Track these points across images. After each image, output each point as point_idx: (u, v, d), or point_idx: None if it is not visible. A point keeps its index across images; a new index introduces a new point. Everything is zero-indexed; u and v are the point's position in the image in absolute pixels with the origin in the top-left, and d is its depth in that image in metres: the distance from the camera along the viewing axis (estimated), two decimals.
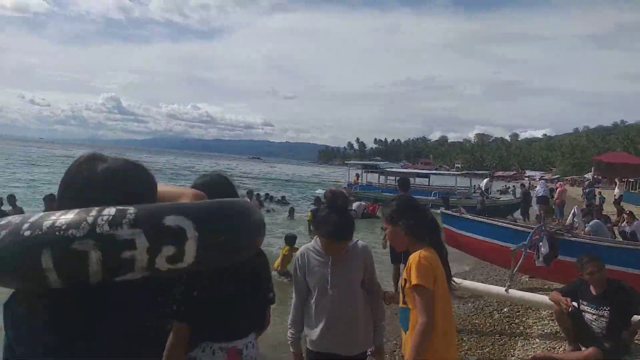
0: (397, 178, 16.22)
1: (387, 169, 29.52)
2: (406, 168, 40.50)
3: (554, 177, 78.81)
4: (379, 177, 29.31)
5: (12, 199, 10.85)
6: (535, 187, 26.47)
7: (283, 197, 23.65)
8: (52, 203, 9.06)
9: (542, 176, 70.43)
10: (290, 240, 8.83)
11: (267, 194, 22.75)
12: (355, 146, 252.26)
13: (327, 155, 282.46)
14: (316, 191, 30.45)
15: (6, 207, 10.37)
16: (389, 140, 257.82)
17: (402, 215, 2.60)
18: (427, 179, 29.74)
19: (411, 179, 15.87)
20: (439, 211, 8.21)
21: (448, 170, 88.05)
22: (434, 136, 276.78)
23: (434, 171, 50.73)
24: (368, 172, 29.46)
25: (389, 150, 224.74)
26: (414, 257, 2.46)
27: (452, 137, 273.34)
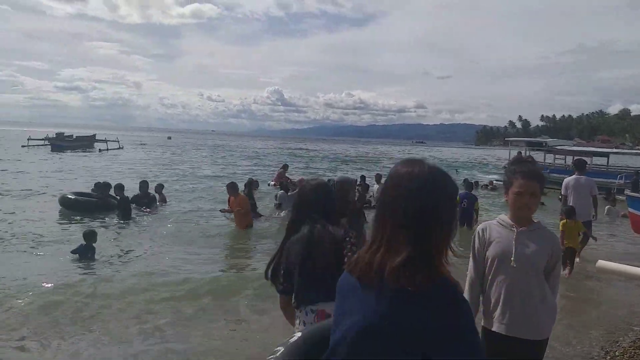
0: (573, 158, 15.07)
1: (557, 147, 27.11)
2: (579, 146, 36.72)
3: None
4: (544, 156, 27.07)
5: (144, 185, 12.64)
6: None
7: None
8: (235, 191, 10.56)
9: None
10: None
11: None
12: (518, 125, 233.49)
13: (486, 135, 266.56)
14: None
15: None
16: (558, 116, 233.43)
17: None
18: (605, 159, 26.66)
19: (587, 159, 14.71)
20: (623, 197, 7.78)
21: (631, 148, 76.69)
22: (613, 109, 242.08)
23: (614, 150, 44.87)
24: (533, 150, 27.18)
25: (558, 128, 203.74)
26: None
27: (636, 109, 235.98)
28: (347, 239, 2.62)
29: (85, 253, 7.67)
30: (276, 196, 13.11)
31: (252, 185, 12.70)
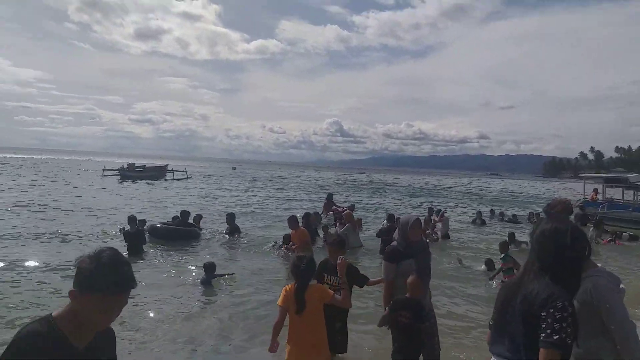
0: None
1: None
2: None
3: None
4: (622, 193, 24.99)
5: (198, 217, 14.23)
6: None
7: (514, 216, 22.64)
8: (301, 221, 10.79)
9: None
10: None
11: (501, 212, 22.61)
12: (590, 156, 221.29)
13: (554, 167, 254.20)
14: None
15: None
16: (634, 147, 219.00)
17: None
18: None
19: None
20: None
21: None
22: None
23: None
24: (611, 186, 25.49)
25: (634, 160, 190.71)
26: None
27: None
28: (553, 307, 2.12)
29: (208, 282, 8.57)
30: (325, 228, 13.37)
31: (309, 217, 13.00)
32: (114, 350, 2.03)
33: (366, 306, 7.45)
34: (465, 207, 30.06)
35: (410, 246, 4.75)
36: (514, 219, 21.82)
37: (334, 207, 19.23)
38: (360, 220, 16.51)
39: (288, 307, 4.09)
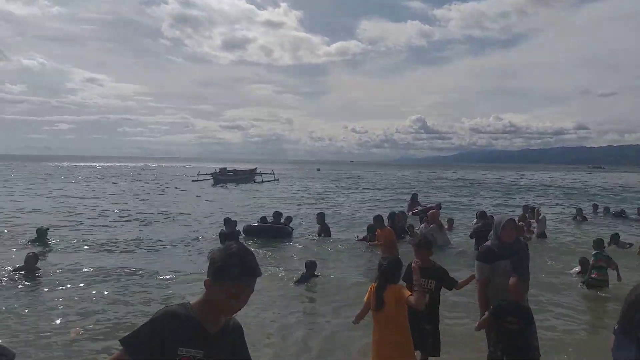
0: None
1: None
2: None
3: None
4: None
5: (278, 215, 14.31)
6: None
7: (622, 211, 20.76)
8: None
9: None
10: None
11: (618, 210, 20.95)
12: None
13: None
14: None
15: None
16: None
17: None
18: None
19: None
20: None
21: None
22: None
23: None
24: None
25: None
26: None
27: None
28: None
29: (307, 280, 8.89)
30: (411, 227, 13.45)
31: (395, 216, 13.01)
32: (244, 343, 2.20)
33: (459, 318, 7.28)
34: (562, 204, 28.08)
35: (505, 247, 4.63)
36: (622, 214, 20.02)
37: (419, 207, 18.94)
38: (451, 220, 16.29)
39: (370, 304, 4.36)
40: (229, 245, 2.06)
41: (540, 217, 14.64)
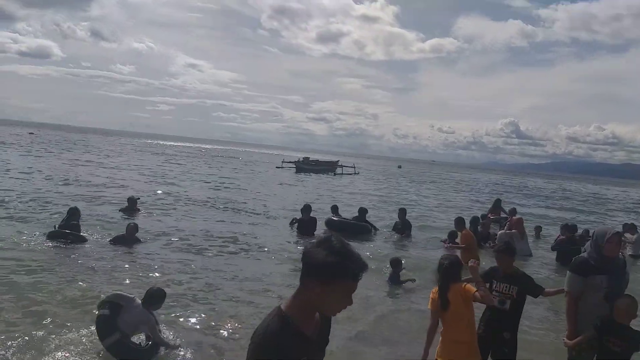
0: None
1: None
2: None
3: None
4: None
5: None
6: None
7: None
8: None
9: None
10: None
11: None
12: None
13: None
14: None
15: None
16: None
17: None
18: None
19: None
20: None
21: None
22: None
23: None
24: None
25: None
26: None
27: None
28: None
29: (395, 278, 8.82)
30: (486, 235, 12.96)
31: (477, 220, 12.75)
32: (329, 327, 2.09)
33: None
34: None
35: (604, 262, 4.27)
36: None
37: (502, 213, 18.42)
38: (539, 227, 16.16)
39: (437, 310, 4.29)
40: (332, 243, 1.82)
41: (636, 235, 13.69)
